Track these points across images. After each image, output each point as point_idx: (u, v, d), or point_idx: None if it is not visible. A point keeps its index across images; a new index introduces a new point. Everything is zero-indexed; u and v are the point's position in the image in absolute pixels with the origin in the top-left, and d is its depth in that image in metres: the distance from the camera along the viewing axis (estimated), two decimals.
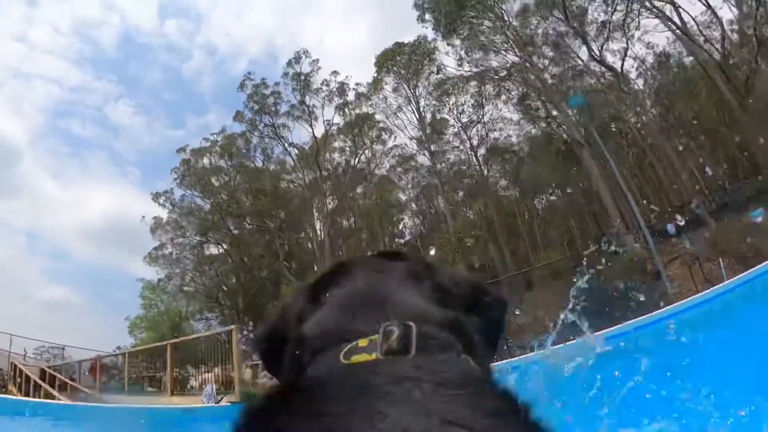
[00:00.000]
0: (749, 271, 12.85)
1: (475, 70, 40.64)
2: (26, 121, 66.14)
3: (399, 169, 51.72)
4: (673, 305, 13.16)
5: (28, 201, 65.24)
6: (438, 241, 33.99)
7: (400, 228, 55.42)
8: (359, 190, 51.40)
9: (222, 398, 12.95)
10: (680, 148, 34.95)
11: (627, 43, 37.77)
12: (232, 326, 13.69)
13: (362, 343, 0.73)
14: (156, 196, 47.95)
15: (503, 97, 41.72)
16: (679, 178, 36.31)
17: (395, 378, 0.61)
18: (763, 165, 29.70)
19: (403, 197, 54.09)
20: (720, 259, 19.30)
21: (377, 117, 47.97)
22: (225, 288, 49.85)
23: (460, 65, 41.16)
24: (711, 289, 13.87)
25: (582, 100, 27.29)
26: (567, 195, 46.32)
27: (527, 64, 36.40)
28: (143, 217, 48.42)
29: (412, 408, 0.57)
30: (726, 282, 13.81)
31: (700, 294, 13.87)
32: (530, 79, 37.97)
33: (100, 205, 73.00)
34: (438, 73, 43.60)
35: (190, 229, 48.56)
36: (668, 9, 35.21)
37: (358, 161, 49.21)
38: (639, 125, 39.24)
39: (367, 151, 49.13)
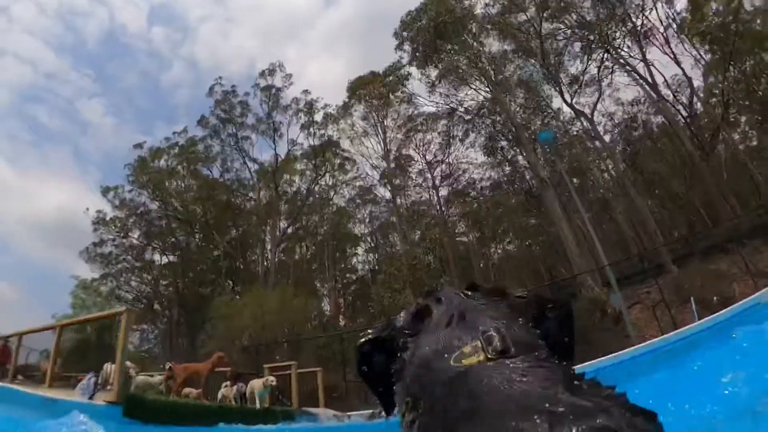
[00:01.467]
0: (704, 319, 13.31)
1: (445, 103, 40.06)
2: None
3: (358, 201, 50.26)
4: (632, 348, 13.59)
5: None
6: (388, 267, 31.38)
7: (353, 262, 52.85)
8: (316, 218, 49.22)
9: (96, 393, 11.25)
10: (642, 200, 33.31)
11: (599, 92, 38.05)
12: (123, 308, 11.95)
13: (466, 349, 0.86)
14: (106, 191, 45.68)
15: (471, 135, 40.24)
16: (642, 228, 36.07)
17: (508, 374, 0.77)
18: (723, 218, 30.33)
19: (359, 231, 52.37)
20: (692, 303, 18.66)
21: (343, 145, 46.67)
22: (162, 299, 47.20)
23: (431, 93, 40.50)
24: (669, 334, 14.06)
25: (551, 136, 25.94)
26: (525, 243, 44.66)
27: (498, 102, 34.68)
28: (87, 208, 46.28)
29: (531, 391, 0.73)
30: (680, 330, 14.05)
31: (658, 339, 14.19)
32: (499, 119, 37.06)
33: (54, 201, 68.25)
34: (408, 102, 42.13)
35: (135, 231, 46.26)
36: (640, 66, 36.08)
37: (318, 188, 47.56)
38: (604, 175, 37.97)
39: (328, 178, 47.49)
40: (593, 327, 23.17)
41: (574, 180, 38.11)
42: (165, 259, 47.36)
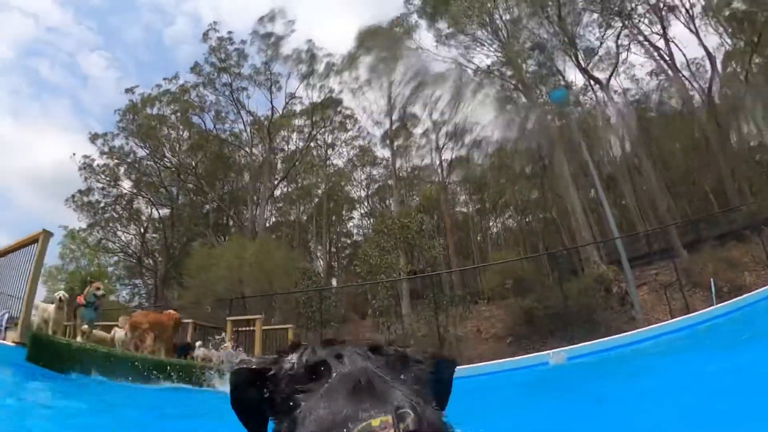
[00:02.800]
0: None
1: (454, 60, 37.47)
2: None
3: (357, 163, 47.94)
4: (643, 329, 12.73)
5: None
6: (378, 225, 28.97)
7: (349, 227, 50.60)
8: (312, 178, 46.95)
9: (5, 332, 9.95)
10: (657, 179, 31.63)
11: (615, 65, 35.79)
12: (41, 231, 9.84)
13: (374, 422, 0.77)
14: (94, 137, 42.95)
15: (479, 95, 37.30)
16: (651, 209, 34.06)
17: None
18: (734, 205, 29.02)
19: (356, 194, 49.87)
20: (712, 285, 17.38)
21: (345, 102, 44.68)
22: (150, 252, 45.72)
23: (440, 46, 38.25)
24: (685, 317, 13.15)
25: (564, 94, 23.39)
26: (525, 219, 43.85)
27: (510, 62, 32.22)
28: (74, 153, 43.52)
29: None
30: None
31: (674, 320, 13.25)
32: (510, 79, 34.68)
33: (53, 154, 66.81)
34: (417, 56, 39.19)
35: (124, 180, 44.08)
36: (660, 43, 34.54)
37: (316, 146, 45.41)
38: (613, 151, 35.38)
39: (327, 136, 45.33)
40: (597, 306, 22.04)
41: (584, 154, 35.29)
42: (154, 212, 45.52)
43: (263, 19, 42.28)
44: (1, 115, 60.25)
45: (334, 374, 0.96)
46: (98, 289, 11.57)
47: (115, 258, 45.28)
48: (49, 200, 61.07)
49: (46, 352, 8.33)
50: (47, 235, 9.72)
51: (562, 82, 34.50)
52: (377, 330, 25.25)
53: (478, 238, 45.90)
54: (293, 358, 1.06)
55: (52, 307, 10.54)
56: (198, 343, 14.50)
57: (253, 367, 1.04)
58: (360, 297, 32.80)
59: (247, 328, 16.73)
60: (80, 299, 11.64)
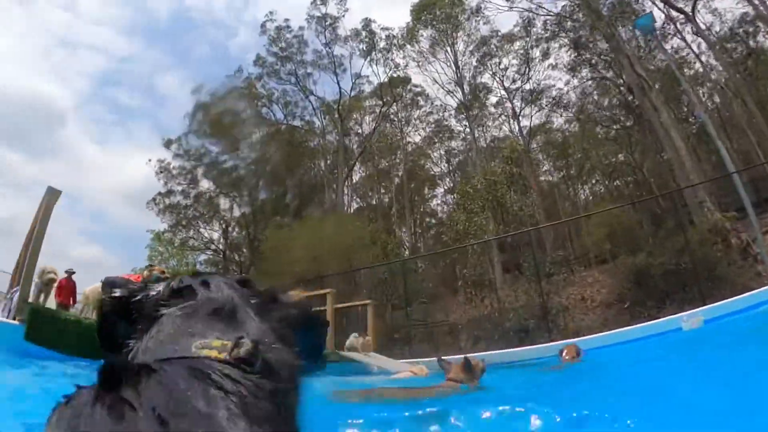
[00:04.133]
0: None
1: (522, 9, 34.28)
2: (72, 87, 65.57)
3: (434, 139, 45.38)
4: None
5: (69, 164, 64.39)
6: (463, 187, 25.92)
7: (432, 206, 48.07)
8: (389, 159, 45.25)
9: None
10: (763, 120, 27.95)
11: None
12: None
13: (215, 343, 0.82)
14: (168, 143, 42.83)
15: (552, 51, 33.75)
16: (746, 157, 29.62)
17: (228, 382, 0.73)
18: None
19: (437, 171, 47.51)
20: None
21: (413, 78, 42.35)
22: (233, 245, 45.47)
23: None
24: None
25: (650, 21, 19.82)
26: (614, 183, 40.65)
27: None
28: (149, 159, 43.83)
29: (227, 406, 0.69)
30: None
31: None
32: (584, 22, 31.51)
33: (140, 170, 74.59)
34: (479, 14, 36.67)
35: (202, 179, 43.66)
36: None
37: (390, 125, 43.72)
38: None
39: (400, 114, 43.26)
40: (717, 261, 18.52)
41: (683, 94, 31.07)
42: (235, 208, 44.71)
43: (315, 2, 40.74)
44: (89, 142, 68.51)
45: (198, 299, 0.94)
46: (162, 272, 9.69)
47: (204, 256, 44.76)
48: (141, 212, 64.80)
49: (43, 331, 6.61)
50: (53, 193, 8.21)
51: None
52: (470, 304, 22.32)
53: (566, 205, 42.93)
54: (161, 286, 1.02)
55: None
56: None
57: (118, 294, 1.01)
58: (448, 269, 29.87)
59: (320, 309, 14.14)
60: (136, 278, 9.45)
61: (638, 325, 10.63)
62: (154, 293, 1.00)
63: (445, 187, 46.84)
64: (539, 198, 34.00)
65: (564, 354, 7.20)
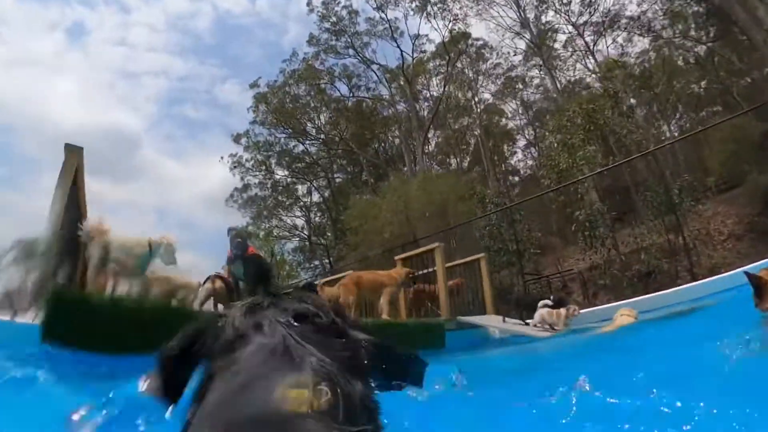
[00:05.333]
0: None
1: None
2: (141, 113, 62.38)
3: (506, 91, 41.38)
4: None
5: (152, 182, 63.05)
6: (559, 120, 22.60)
7: (513, 162, 44.55)
8: (463, 120, 42.15)
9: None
10: None
11: None
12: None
13: (291, 394, 0.77)
14: (237, 138, 42.07)
15: None
16: None
17: None
18: None
19: (514, 125, 43.80)
20: None
21: (475, 29, 39.00)
22: (317, 229, 43.95)
23: None
24: None
25: None
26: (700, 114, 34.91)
27: None
28: (222, 157, 42.25)
29: None
30: None
31: None
32: None
33: (218, 176, 72.77)
34: None
35: (279, 170, 42.85)
36: None
37: (459, 85, 40.17)
38: None
39: (467, 70, 39.83)
40: None
41: None
42: (315, 194, 44.10)
43: None
44: (166, 159, 67.08)
45: (252, 345, 0.91)
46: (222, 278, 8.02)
47: (291, 245, 43.79)
48: (223, 212, 66.58)
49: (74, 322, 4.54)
50: (73, 151, 6.09)
51: None
52: (586, 251, 19.32)
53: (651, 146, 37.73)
54: (216, 329, 0.99)
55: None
56: None
57: (179, 346, 1.01)
58: (556, 216, 26.57)
59: (424, 270, 11.42)
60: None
61: None
62: (209, 342, 0.96)
63: (525, 141, 43.51)
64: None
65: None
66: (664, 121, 38.72)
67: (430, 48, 40.15)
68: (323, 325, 1.00)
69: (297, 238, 43.23)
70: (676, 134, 39.36)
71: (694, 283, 10.02)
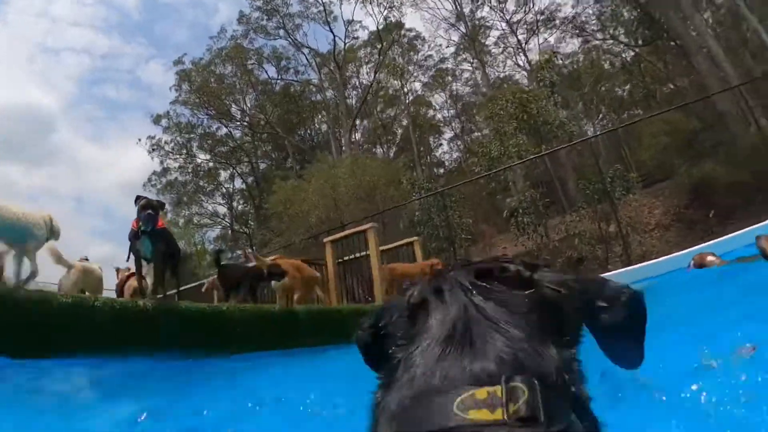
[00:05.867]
0: None
1: None
2: (58, 92, 62.02)
3: (436, 83, 41.47)
4: None
5: (69, 166, 60.10)
6: (492, 107, 22.04)
7: (439, 154, 44.59)
8: (391, 111, 42.07)
9: None
10: None
11: None
12: None
13: (479, 394, 0.62)
14: (157, 119, 39.59)
15: None
16: None
17: None
18: None
19: (441, 117, 43.81)
20: None
21: (408, 21, 39.10)
22: (239, 216, 42.17)
23: None
24: None
25: None
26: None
27: None
28: (139, 139, 39.96)
29: None
30: None
31: None
32: None
33: (138, 160, 69.49)
34: None
35: (198, 152, 40.77)
36: None
37: (388, 73, 38.98)
38: None
39: (398, 59, 38.99)
40: None
41: None
42: (238, 180, 42.26)
43: None
44: (84, 141, 63.89)
45: (431, 319, 0.77)
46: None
47: (213, 234, 41.67)
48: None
49: None
50: None
51: None
52: (518, 237, 18.93)
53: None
54: (401, 301, 0.87)
55: None
56: None
57: (368, 326, 0.91)
58: (487, 204, 26.14)
59: (356, 255, 10.32)
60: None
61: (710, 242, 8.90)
62: (395, 316, 0.85)
63: (452, 134, 43.77)
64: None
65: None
66: (588, 120, 39.63)
67: (363, 35, 39.47)
68: (510, 279, 0.78)
69: (219, 227, 41.38)
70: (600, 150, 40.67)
71: (627, 269, 10.31)
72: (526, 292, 0.77)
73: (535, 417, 0.58)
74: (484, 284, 0.79)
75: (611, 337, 0.79)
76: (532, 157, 18.65)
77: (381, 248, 10.73)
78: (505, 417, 0.57)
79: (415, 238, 11.97)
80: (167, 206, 38.48)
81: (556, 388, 0.64)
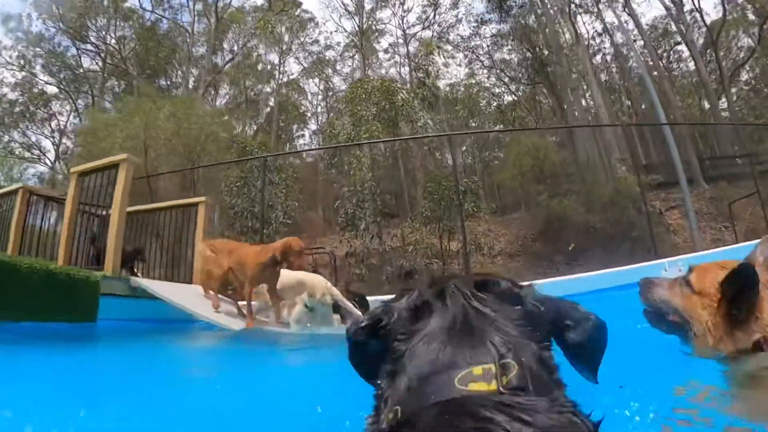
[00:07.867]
0: None
1: None
2: None
3: (315, 72, 39.06)
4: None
5: None
6: (355, 89, 19.80)
7: (299, 144, 41.70)
8: (262, 87, 38.80)
9: None
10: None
11: None
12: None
13: (477, 371, 0.73)
14: (6, 19, 33.75)
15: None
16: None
17: (517, 414, 0.64)
18: None
19: (309, 108, 41.66)
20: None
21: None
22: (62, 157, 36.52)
23: None
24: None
25: None
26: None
27: None
28: None
29: None
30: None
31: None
32: None
33: None
34: None
35: (41, 70, 34.73)
36: None
37: (268, 44, 36.30)
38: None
39: (283, 31, 35.91)
40: (631, 223, 17.08)
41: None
42: (74, 116, 36.32)
43: None
44: None
45: (433, 317, 0.86)
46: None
47: (33, 170, 36.55)
48: None
49: None
50: None
51: None
52: (346, 232, 16.92)
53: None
54: (403, 302, 0.94)
55: None
56: None
57: (368, 323, 0.94)
58: (324, 195, 23.56)
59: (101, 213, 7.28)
60: None
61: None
62: (396, 314, 0.90)
63: (316, 126, 41.46)
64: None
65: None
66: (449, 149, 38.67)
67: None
68: (501, 292, 0.89)
69: (42, 164, 35.96)
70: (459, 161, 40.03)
71: None
72: (515, 307, 0.86)
73: (524, 387, 0.68)
74: (481, 294, 0.87)
75: (572, 353, 0.87)
76: (376, 140, 16.62)
77: (158, 205, 9.18)
78: (500, 387, 0.67)
79: (203, 198, 8.86)
80: None
81: (540, 371, 0.73)
